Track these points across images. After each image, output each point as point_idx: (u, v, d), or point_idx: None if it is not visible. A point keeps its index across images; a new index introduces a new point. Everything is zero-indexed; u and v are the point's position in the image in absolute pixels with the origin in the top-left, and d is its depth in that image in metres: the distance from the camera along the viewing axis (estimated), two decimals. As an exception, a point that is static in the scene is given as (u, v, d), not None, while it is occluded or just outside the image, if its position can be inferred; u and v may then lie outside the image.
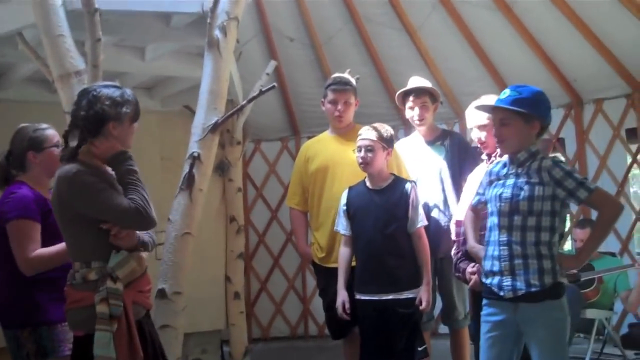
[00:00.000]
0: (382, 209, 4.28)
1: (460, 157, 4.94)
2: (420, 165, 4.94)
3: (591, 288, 6.58)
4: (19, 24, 5.00)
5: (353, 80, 4.90)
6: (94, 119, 3.07)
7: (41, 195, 3.62)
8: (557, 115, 7.65)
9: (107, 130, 3.08)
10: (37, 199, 3.57)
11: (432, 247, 4.61)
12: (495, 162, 3.86)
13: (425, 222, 4.34)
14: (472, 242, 3.87)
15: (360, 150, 4.31)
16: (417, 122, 5.03)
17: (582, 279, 5.62)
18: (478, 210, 3.91)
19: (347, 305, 4.32)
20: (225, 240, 7.39)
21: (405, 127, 7.89)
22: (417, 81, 5.11)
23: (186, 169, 4.59)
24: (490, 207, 3.64)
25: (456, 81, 7.74)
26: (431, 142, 5.07)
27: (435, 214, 4.89)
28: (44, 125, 3.76)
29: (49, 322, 3.48)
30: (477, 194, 3.86)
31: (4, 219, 3.51)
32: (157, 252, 6.73)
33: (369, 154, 4.28)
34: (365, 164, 4.31)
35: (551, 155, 7.62)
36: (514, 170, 3.58)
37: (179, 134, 6.26)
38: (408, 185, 4.35)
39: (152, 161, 7.09)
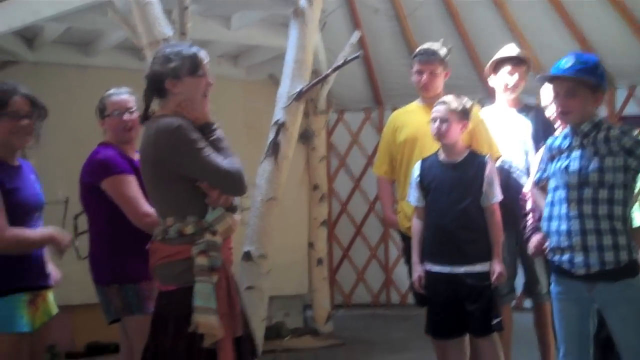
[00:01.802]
0: (457, 184, 4.23)
1: (545, 131, 4.86)
2: (506, 134, 4.88)
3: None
4: (109, -7, 5.13)
5: (442, 51, 4.85)
6: (151, 79, 3.09)
7: (125, 154, 3.73)
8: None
9: (167, 89, 3.06)
10: (122, 155, 3.69)
11: (513, 218, 4.56)
12: (553, 136, 3.72)
13: (500, 197, 4.27)
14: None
15: (434, 121, 4.28)
16: (511, 89, 4.95)
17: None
18: (543, 187, 3.79)
19: (423, 281, 4.33)
20: (308, 207, 7.49)
21: (491, 99, 7.77)
22: (513, 49, 5.03)
23: (271, 135, 4.66)
24: (555, 182, 3.49)
25: (545, 55, 7.50)
26: (519, 111, 5.00)
27: (521, 180, 4.84)
28: (112, 92, 3.85)
29: (135, 279, 3.57)
30: (539, 169, 3.75)
31: (97, 178, 3.61)
32: (243, 217, 6.96)
33: (444, 125, 4.25)
34: (439, 135, 4.27)
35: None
36: (578, 142, 3.44)
37: (263, 102, 6.38)
38: (484, 160, 4.30)
39: (236, 129, 7.21)
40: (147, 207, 3.47)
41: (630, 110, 7.53)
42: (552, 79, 3.55)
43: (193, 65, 3.08)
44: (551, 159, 3.59)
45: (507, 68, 4.91)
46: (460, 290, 4.16)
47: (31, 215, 3.38)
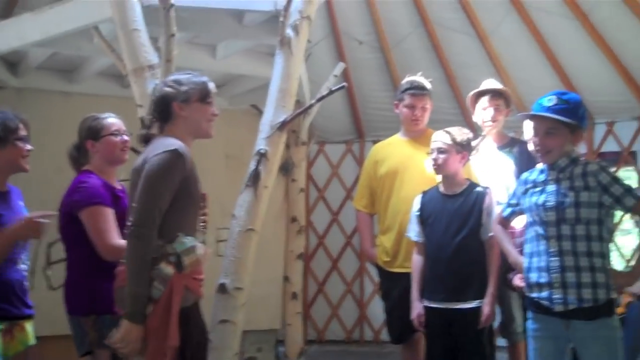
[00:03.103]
0: (455, 215, 4.19)
1: (529, 167, 4.84)
2: (486, 171, 4.85)
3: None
4: (96, 18, 5.10)
5: (428, 84, 4.86)
6: (159, 100, 3.13)
7: (108, 183, 3.67)
8: (630, 127, 7.51)
9: (175, 112, 3.10)
10: (105, 186, 3.62)
11: None
12: (530, 170, 3.73)
13: None
14: (515, 255, 3.71)
15: (432, 152, 4.25)
16: (489, 124, 4.94)
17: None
18: (508, 222, 3.80)
19: (422, 319, 4.25)
20: (285, 240, 7.40)
21: (474, 134, 7.77)
22: (492, 83, 5.04)
23: (252, 165, 4.60)
24: (531, 217, 3.51)
25: (527, 90, 7.55)
26: (501, 148, 4.98)
27: None
28: (105, 115, 3.81)
29: (113, 311, 3.44)
30: (509, 205, 3.74)
31: (76, 207, 3.54)
32: (219, 249, 6.87)
33: (441, 156, 4.21)
34: (437, 167, 4.25)
35: (624, 169, 7.57)
36: (554, 176, 3.46)
37: (245, 132, 6.29)
38: (483, 191, 4.26)
39: (216, 159, 7.17)
40: (116, 240, 3.44)
41: (609, 147, 7.55)
42: (532, 117, 3.57)
43: (204, 92, 3.18)
44: (524, 192, 3.59)
45: (483, 103, 4.91)
46: (455, 327, 4.09)
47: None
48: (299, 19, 4.80)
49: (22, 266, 3.50)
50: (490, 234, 4.12)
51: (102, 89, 6.69)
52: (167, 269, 2.90)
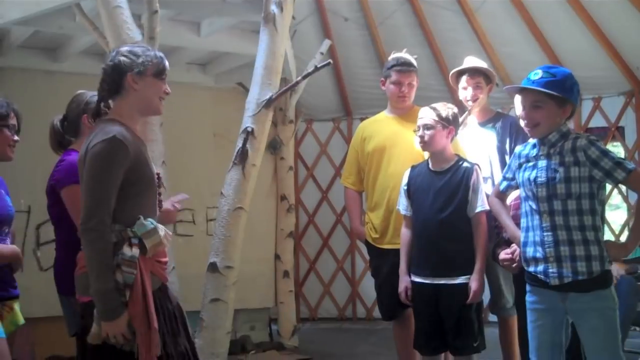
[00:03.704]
0: (441, 191, 4.18)
1: (511, 140, 4.85)
2: (471, 147, 4.86)
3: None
4: (78, -5, 5.03)
5: (414, 61, 4.84)
6: (112, 70, 2.96)
7: None
8: (617, 103, 7.52)
9: (127, 84, 2.95)
10: None
11: None
12: (524, 144, 3.72)
13: (487, 207, 4.19)
14: (513, 229, 3.72)
15: (418, 129, 4.24)
16: (470, 103, 4.95)
17: (640, 270, 5.48)
18: (505, 196, 3.82)
19: (410, 293, 4.26)
20: (275, 218, 7.40)
21: (460, 110, 7.77)
22: (472, 61, 5.02)
23: (239, 143, 4.60)
24: (524, 192, 3.52)
25: (514, 65, 7.57)
26: (483, 124, 4.97)
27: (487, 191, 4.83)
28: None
29: None
30: (505, 178, 3.76)
31: (58, 186, 3.50)
32: (209, 228, 6.87)
33: (427, 132, 4.20)
34: (423, 143, 4.24)
35: (611, 144, 7.59)
36: (545, 151, 3.47)
37: (232, 111, 6.31)
38: (471, 167, 4.26)
39: (204, 137, 7.16)
40: None
41: (596, 122, 7.57)
42: (519, 91, 3.58)
43: (160, 67, 3.01)
44: (519, 167, 3.60)
45: (463, 82, 4.90)
46: (441, 302, 4.10)
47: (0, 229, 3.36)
48: (283, -5, 4.78)
49: None
50: (477, 211, 4.14)
51: (86, 67, 6.58)
52: (132, 251, 2.80)
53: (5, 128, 3.40)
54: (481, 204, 4.15)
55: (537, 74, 3.45)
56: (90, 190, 2.80)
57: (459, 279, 4.10)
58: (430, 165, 4.30)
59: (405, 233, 4.33)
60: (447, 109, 4.27)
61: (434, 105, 4.31)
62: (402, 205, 4.35)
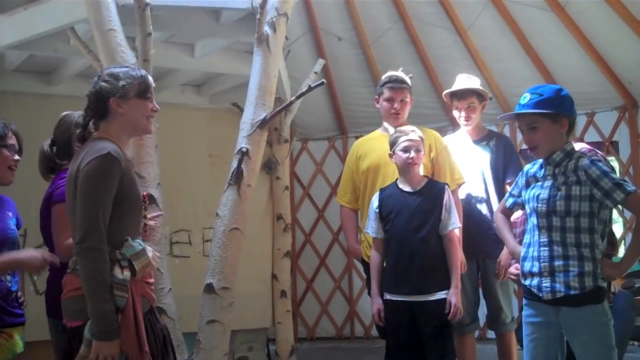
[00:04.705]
0: (416, 211, 4.26)
1: (505, 160, 4.90)
2: (465, 164, 4.89)
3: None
4: (71, 19, 5.04)
5: (408, 79, 4.87)
6: (95, 96, 2.95)
7: None
8: (611, 118, 7.53)
9: (112, 108, 2.92)
10: None
11: (475, 245, 4.57)
12: (532, 163, 3.77)
13: (459, 225, 4.31)
14: (513, 244, 3.79)
15: (408, 151, 4.27)
16: (464, 123, 5.00)
17: (637, 285, 5.49)
18: (510, 212, 3.86)
19: (383, 314, 4.30)
20: (272, 238, 7.39)
21: (454, 127, 7.79)
22: (463, 80, 5.06)
23: (235, 164, 4.60)
24: (528, 208, 3.58)
25: (506, 82, 7.61)
26: (477, 142, 5.03)
27: (481, 208, 4.85)
28: None
29: None
30: (511, 195, 3.80)
31: (54, 197, 3.48)
32: (205, 249, 6.85)
33: (419, 154, 4.28)
34: (414, 164, 4.28)
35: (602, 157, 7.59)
36: (551, 172, 3.51)
37: (227, 131, 6.31)
38: (442, 187, 4.33)
39: (199, 158, 7.15)
40: (66, 238, 3.29)
41: (590, 137, 7.59)
42: (514, 118, 3.64)
43: (143, 86, 2.98)
44: (526, 184, 3.65)
45: (456, 104, 4.97)
46: (419, 319, 4.13)
47: None
48: (276, 16, 4.82)
49: (7, 276, 3.47)
50: (450, 228, 4.22)
51: (80, 90, 6.39)
52: (123, 274, 2.77)
53: (4, 148, 3.39)
54: (454, 222, 4.25)
55: (525, 98, 3.51)
56: (86, 208, 2.75)
57: (437, 295, 4.16)
58: (400, 187, 4.34)
59: (375, 256, 4.40)
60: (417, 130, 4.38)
61: (412, 127, 4.39)
62: (372, 228, 4.40)
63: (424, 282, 4.18)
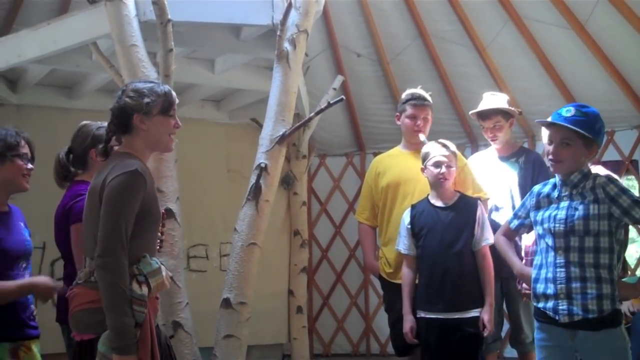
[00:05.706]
0: (449, 227, 4.21)
1: (534, 175, 4.86)
2: (492, 181, 4.87)
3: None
4: (94, 34, 5.10)
5: (429, 97, 4.89)
6: (118, 112, 2.96)
7: None
8: (630, 136, 7.47)
9: (135, 124, 2.94)
10: None
11: (498, 265, 4.53)
12: (543, 183, 3.72)
13: (492, 241, 4.24)
14: (520, 266, 3.76)
15: (439, 166, 4.25)
16: (491, 142, 5.01)
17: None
18: (514, 235, 3.82)
19: (414, 332, 4.27)
20: (289, 253, 7.39)
21: (472, 145, 7.81)
22: (488, 99, 5.05)
23: (253, 179, 4.61)
24: (541, 229, 3.51)
25: (526, 100, 7.57)
26: (505, 158, 5.01)
27: None
28: (106, 123, 3.79)
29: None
30: (517, 216, 3.75)
31: (71, 220, 3.49)
32: (222, 264, 6.87)
33: (451, 170, 4.25)
34: (445, 180, 4.26)
35: (625, 177, 7.55)
36: (567, 192, 3.46)
37: (245, 146, 6.36)
38: (475, 202, 4.29)
39: (218, 173, 7.19)
40: None
41: (610, 156, 7.55)
42: (549, 125, 3.56)
43: (166, 104, 2.99)
44: (537, 205, 3.57)
45: (483, 124, 4.97)
46: (452, 336, 4.10)
47: (15, 263, 3.33)
48: (296, 32, 4.85)
49: None
50: (483, 244, 4.17)
51: (101, 104, 6.57)
52: (141, 289, 2.76)
53: (16, 157, 3.38)
54: (487, 238, 4.20)
55: (569, 111, 3.45)
56: (110, 221, 2.76)
57: (472, 313, 4.11)
58: (432, 202, 4.32)
59: (407, 273, 4.35)
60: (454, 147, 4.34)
61: (445, 141, 4.35)
62: (404, 245, 4.36)
63: (458, 299, 4.14)
